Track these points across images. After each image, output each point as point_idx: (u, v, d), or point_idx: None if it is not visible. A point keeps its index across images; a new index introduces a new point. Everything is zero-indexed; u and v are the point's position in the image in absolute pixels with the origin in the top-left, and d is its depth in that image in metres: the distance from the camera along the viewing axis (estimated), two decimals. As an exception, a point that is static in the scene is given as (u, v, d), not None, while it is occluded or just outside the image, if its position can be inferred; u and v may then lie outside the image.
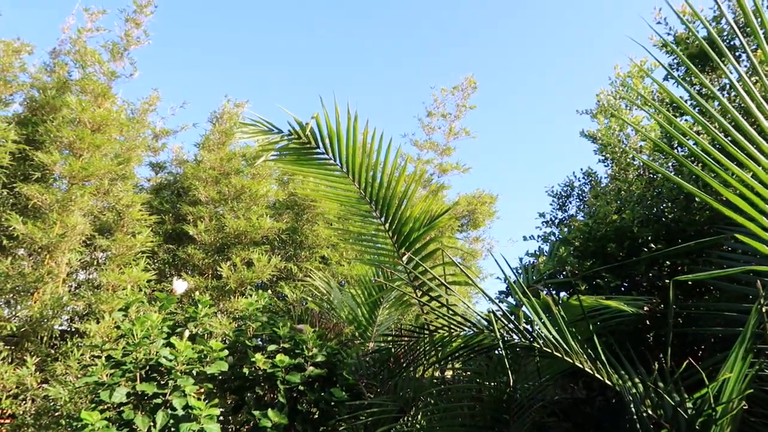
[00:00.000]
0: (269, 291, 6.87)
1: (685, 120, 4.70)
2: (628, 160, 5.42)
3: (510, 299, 4.33)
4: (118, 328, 5.59)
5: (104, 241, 6.61)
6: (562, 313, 2.49)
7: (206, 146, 8.23)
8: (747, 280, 2.72)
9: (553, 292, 4.03)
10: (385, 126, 3.76)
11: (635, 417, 2.24)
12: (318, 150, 3.85)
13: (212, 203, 7.74)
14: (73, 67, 7.32)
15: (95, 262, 6.98)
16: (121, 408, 3.15)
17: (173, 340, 3.35)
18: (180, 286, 3.88)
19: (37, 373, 5.66)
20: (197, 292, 5.82)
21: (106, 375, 3.24)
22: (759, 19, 1.96)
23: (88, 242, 6.77)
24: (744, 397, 1.95)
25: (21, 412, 5.56)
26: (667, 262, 3.77)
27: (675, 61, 4.42)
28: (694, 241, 3.51)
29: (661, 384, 2.38)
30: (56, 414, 5.54)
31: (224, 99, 8.81)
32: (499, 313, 2.57)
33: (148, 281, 6.42)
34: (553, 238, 4.73)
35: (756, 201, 2.07)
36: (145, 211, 6.89)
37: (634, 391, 2.34)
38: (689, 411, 2.18)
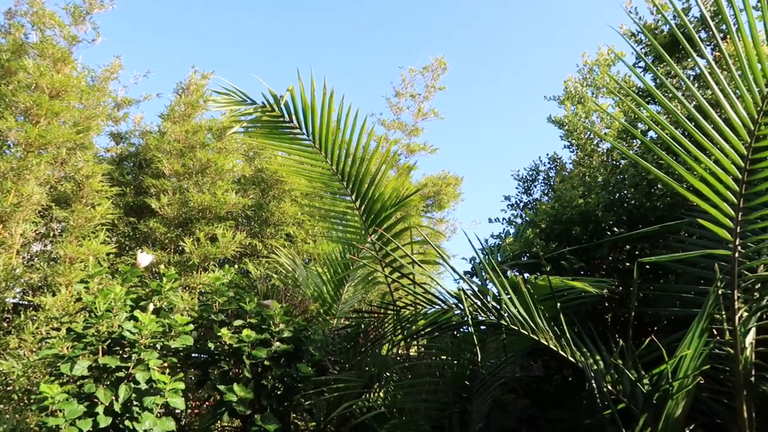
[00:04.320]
0: (235, 266, 6.80)
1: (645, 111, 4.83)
2: (593, 146, 5.54)
3: (475, 279, 4.40)
4: (79, 300, 5.45)
5: (61, 212, 6.39)
6: (531, 291, 2.55)
7: (170, 118, 7.99)
8: (704, 264, 2.84)
9: (518, 273, 4.12)
10: (352, 105, 3.77)
11: (596, 392, 2.33)
12: (291, 124, 3.80)
13: (176, 176, 7.55)
14: (30, 29, 6.98)
15: (51, 234, 6.75)
16: (82, 382, 3.09)
17: (137, 313, 3.28)
18: (144, 259, 3.80)
19: (-11, 346, 5.48)
20: (162, 266, 5.70)
21: (67, 348, 3.16)
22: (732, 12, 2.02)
23: (44, 213, 6.54)
24: (699, 373, 2.05)
25: (-30, 386, 5.38)
26: (628, 246, 3.90)
27: (643, 50, 4.52)
28: (654, 226, 3.64)
29: (619, 361, 2.48)
30: (8, 388, 5.38)
31: (191, 70, 8.55)
32: (468, 291, 2.62)
33: (108, 254, 6.26)
34: (519, 220, 4.82)
35: (718, 187, 2.16)
36: (106, 182, 6.68)
37: (595, 367, 2.43)
38: (646, 387, 2.28)
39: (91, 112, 7.20)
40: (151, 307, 3.46)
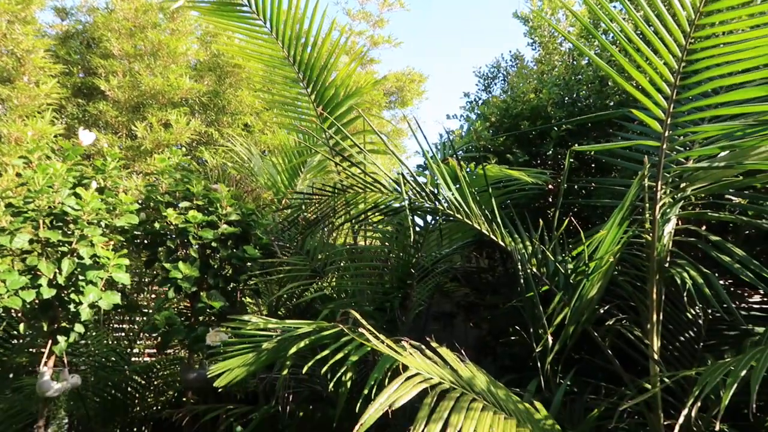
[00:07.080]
0: (183, 150, 6.69)
1: (614, 6, 4.72)
2: (555, 45, 5.45)
3: (427, 172, 4.45)
4: (19, 176, 5.32)
5: (4, 89, 6.07)
6: (468, 179, 2.60)
7: (119, -7, 7.47)
8: (642, 160, 2.92)
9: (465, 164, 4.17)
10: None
11: (521, 274, 2.46)
12: (242, 1, 3.60)
13: (126, 58, 7.18)
14: None
15: (-6, 113, 6.45)
16: (25, 256, 3.08)
17: (79, 190, 3.23)
18: (87, 137, 3.68)
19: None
20: (106, 146, 5.57)
21: (6, 222, 3.12)
22: None
23: (-16, 91, 6.20)
24: (615, 254, 2.17)
25: None
26: (576, 145, 3.95)
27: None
28: (604, 125, 3.69)
29: (548, 247, 2.60)
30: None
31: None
32: (408, 177, 2.65)
33: (56, 136, 6.05)
34: (473, 116, 4.80)
35: (655, 78, 2.17)
36: (49, 59, 6.31)
37: (523, 251, 2.54)
38: (569, 269, 2.41)
39: (31, -18, 6.66)
40: (94, 185, 3.40)
